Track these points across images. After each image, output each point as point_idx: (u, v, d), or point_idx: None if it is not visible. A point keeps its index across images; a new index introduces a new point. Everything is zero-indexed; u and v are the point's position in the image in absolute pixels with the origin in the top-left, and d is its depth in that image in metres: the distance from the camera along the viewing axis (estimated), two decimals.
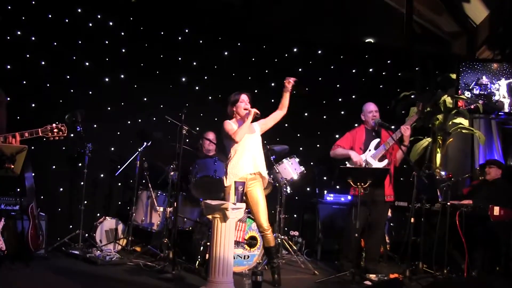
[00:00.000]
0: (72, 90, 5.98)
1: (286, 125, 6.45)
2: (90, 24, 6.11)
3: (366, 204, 4.77)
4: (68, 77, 6.01)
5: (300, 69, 6.79)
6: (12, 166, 3.65)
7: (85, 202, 5.38)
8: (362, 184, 4.50)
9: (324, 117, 6.83)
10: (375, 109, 5.00)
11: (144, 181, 5.59)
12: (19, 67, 5.75)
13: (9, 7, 5.74)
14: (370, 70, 6.96)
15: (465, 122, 6.31)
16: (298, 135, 6.72)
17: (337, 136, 5.76)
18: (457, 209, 4.93)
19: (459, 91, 6.48)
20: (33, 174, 4.90)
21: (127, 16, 6.26)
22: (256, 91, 5.86)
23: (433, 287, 4.09)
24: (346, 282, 4.51)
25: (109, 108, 6.16)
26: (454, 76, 6.57)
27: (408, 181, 4.84)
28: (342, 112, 6.81)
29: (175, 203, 4.68)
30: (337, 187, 6.20)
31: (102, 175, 6.10)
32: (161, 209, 5.46)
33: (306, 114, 6.80)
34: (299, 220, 6.50)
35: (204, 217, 4.70)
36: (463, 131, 6.32)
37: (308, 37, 6.92)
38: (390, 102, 6.31)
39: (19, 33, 5.77)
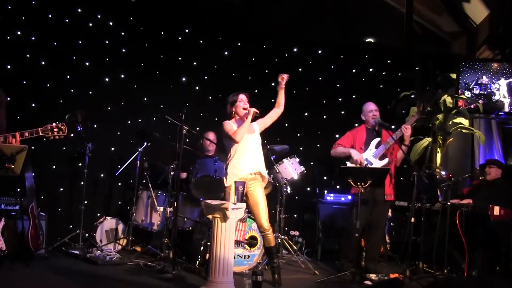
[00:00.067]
0: (72, 90, 5.98)
1: (286, 125, 6.47)
2: (90, 24, 6.11)
3: (366, 203, 4.77)
4: (68, 77, 6.01)
5: (300, 69, 6.80)
6: (12, 166, 3.66)
7: (85, 202, 5.38)
8: (363, 184, 4.50)
9: (324, 117, 6.83)
10: (375, 108, 5.00)
11: (144, 181, 5.59)
12: (19, 67, 5.74)
13: (9, 7, 5.74)
14: (370, 70, 6.95)
15: (465, 122, 6.31)
16: (298, 135, 6.72)
17: (337, 136, 5.76)
18: (457, 209, 4.93)
19: (459, 91, 6.48)
20: (33, 174, 4.91)
21: (127, 16, 6.26)
22: (256, 91, 5.89)
23: (433, 287, 4.08)
24: (346, 282, 4.51)
25: (109, 108, 6.16)
26: (454, 76, 6.57)
27: (408, 181, 4.84)
28: (342, 112, 6.81)
29: (175, 203, 4.68)
30: (337, 187, 6.21)
31: (102, 175, 6.10)
32: (161, 209, 5.46)
33: (306, 114, 6.80)
34: (299, 220, 6.50)
35: (204, 217, 4.70)
36: (463, 131, 6.33)
37: (308, 37, 6.92)
38: (390, 102, 6.31)
39: (19, 33, 5.77)
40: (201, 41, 6.58)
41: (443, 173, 6.10)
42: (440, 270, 4.86)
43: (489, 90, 6.52)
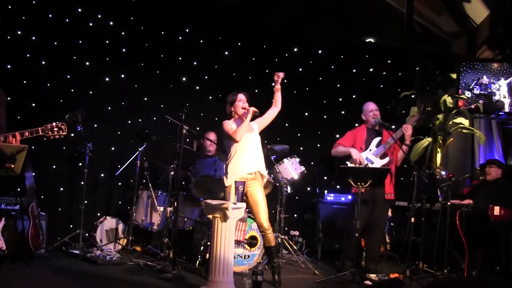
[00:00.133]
0: (72, 90, 5.98)
1: (286, 125, 6.48)
2: (90, 24, 6.11)
3: (367, 203, 4.77)
4: (68, 77, 6.01)
5: (300, 69, 6.80)
6: (13, 166, 3.65)
7: (86, 201, 5.38)
8: (363, 184, 4.50)
9: (324, 117, 6.83)
10: (375, 107, 5.00)
11: (144, 180, 5.59)
12: (19, 67, 5.74)
13: (9, 7, 5.74)
14: (370, 70, 6.95)
15: (465, 122, 6.31)
16: (299, 135, 6.72)
17: (337, 136, 5.76)
18: (457, 209, 4.93)
19: (460, 91, 6.48)
20: (33, 173, 4.91)
21: (127, 16, 6.26)
22: (256, 91, 5.89)
23: (433, 287, 4.08)
24: (346, 282, 4.51)
25: (109, 108, 6.16)
26: (454, 76, 6.57)
27: (408, 181, 4.84)
28: (342, 112, 6.81)
29: (176, 203, 4.68)
30: (338, 187, 6.21)
31: (102, 175, 6.10)
32: (162, 208, 5.46)
33: (306, 114, 6.80)
34: (299, 220, 6.50)
35: (204, 216, 4.70)
36: (464, 131, 6.33)
37: (308, 37, 6.92)
38: (390, 102, 6.31)
39: (19, 32, 5.77)
40: (201, 41, 6.58)
41: (443, 173, 6.10)
42: (440, 270, 4.86)
43: (489, 90, 6.52)
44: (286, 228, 5.57)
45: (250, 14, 6.82)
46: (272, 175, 5.20)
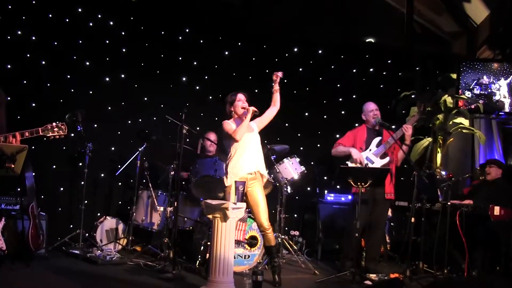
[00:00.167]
0: (72, 90, 5.98)
1: (286, 125, 6.48)
2: (91, 24, 6.11)
3: (367, 203, 4.77)
4: (68, 77, 6.01)
5: (300, 69, 6.80)
6: (13, 166, 3.65)
7: (86, 201, 5.38)
8: (363, 184, 4.50)
9: (325, 117, 6.83)
10: (375, 107, 5.00)
11: (144, 180, 5.59)
12: (19, 67, 5.75)
13: (10, 7, 5.74)
14: (371, 70, 6.96)
15: (465, 122, 6.31)
16: (299, 135, 6.72)
17: (337, 136, 5.76)
18: (457, 209, 4.93)
19: (460, 91, 6.48)
20: (33, 173, 4.91)
21: (128, 15, 6.27)
22: (256, 91, 5.89)
23: (434, 287, 4.08)
24: (346, 281, 4.51)
25: (109, 108, 6.16)
26: (454, 76, 6.57)
27: (408, 181, 4.84)
28: (343, 112, 6.81)
29: (176, 203, 4.68)
30: (338, 187, 6.21)
31: (102, 175, 6.11)
32: (162, 208, 5.46)
33: (306, 114, 6.81)
34: (299, 220, 6.50)
35: (204, 216, 4.70)
36: (464, 131, 6.33)
37: (308, 37, 6.92)
38: (390, 102, 6.31)
39: (19, 32, 5.77)
40: (201, 41, 6.59)
41: (443, 173, 6.10)
42: (440, 270, 4.86)
43: (489, 90, 6.52)
44: (286, 228, 5.57)
45: (250, 14, 6.82)
46: (272, 175, 5.20)
